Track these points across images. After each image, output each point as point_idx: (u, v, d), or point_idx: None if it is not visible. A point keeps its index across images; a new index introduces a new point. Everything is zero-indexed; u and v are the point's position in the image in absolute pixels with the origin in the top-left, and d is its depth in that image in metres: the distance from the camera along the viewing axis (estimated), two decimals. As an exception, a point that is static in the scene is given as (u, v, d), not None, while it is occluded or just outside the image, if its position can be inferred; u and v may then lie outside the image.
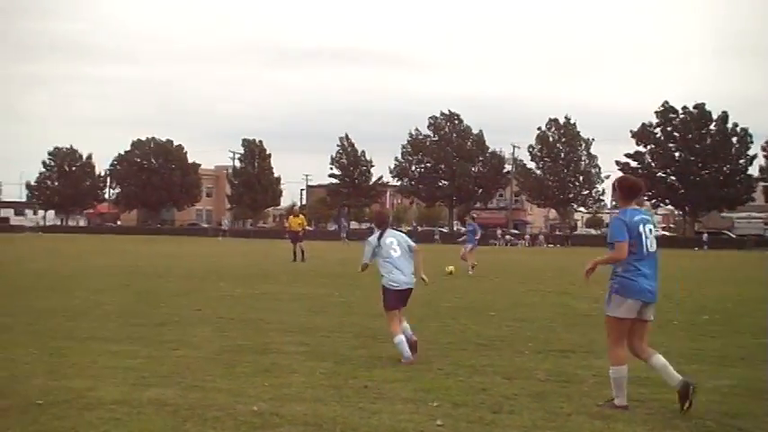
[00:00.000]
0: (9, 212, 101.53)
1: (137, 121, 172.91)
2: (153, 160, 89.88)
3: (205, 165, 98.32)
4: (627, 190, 6.23)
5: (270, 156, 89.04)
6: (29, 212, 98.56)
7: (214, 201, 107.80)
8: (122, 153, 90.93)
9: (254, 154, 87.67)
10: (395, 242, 8.32)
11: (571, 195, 75.95)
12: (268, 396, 6.27)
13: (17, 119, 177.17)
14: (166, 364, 7.66)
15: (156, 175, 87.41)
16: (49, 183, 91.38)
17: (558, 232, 77.34)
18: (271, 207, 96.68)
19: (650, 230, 6.04)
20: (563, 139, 75.51)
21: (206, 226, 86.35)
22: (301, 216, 29.26)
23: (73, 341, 9.00)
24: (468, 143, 78.57)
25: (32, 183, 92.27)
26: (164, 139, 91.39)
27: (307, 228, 26.79)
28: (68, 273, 20.25)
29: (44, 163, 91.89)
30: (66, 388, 6.48)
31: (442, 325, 10.68)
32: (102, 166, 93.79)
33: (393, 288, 8.14)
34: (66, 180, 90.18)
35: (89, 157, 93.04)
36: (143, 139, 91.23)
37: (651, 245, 6.00)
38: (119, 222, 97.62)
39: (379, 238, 8.35)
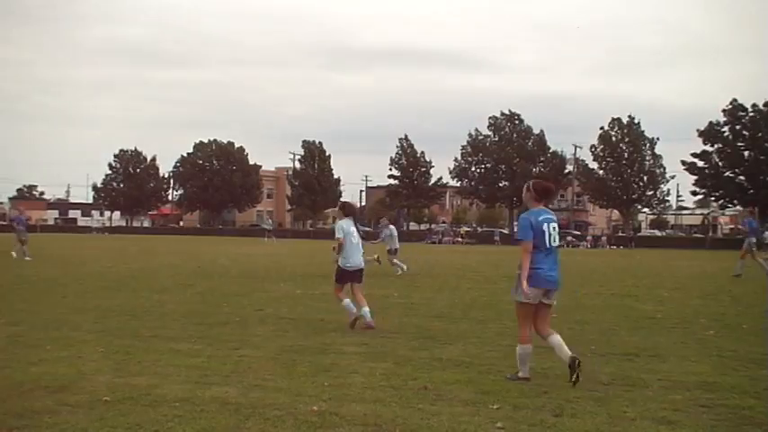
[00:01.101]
0: (77, 213, 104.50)
1: (199, 124, 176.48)
2: (215, 162, 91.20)
3: (266, 166, 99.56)
4: (541, 192, 7.07)
5: (329, 157, 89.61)
6: (95, 213, 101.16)
7: (274, 202, 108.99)
8: (185, 155, 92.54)
9: (314, 155, 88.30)
10: (355, 232, 10.41)
11: (635, 196, 74.47)
12: (328, 396, 6.29)
13: (84, 123, 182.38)
14: (228, 363, 7.75)
15: (218, 177, 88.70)
16: (114, 184, 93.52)
17: (621, 233, 75.93)
18: (330, 208, 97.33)
19: (554, 228, 6.92)
20: (626, 139, 74.04)
21: (265, 227, 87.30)
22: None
23: (138, 339, 9.18)
24: (529, 143, 77.74)
25: (99, 185, 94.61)
26: (225, 141, 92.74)
27: None
28: (133, 273, 20.68)
29: (110, 165, 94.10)
30: (131, 385, 6.61)
31: (502, 327, 10.57)
32: (165, 168, 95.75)
33: (348, 269, 10.38)
34: (130, 182, 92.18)
35: (153, 159, 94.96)
36: (205, 141, 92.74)
37: (554, 241, 6.90)
38: (181, 223, 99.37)
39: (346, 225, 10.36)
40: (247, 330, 10.08)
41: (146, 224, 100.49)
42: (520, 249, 6.86)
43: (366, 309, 10.31)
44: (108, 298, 13.88)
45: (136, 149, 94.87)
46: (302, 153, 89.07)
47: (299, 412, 5.76)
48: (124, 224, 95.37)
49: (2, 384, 6.60)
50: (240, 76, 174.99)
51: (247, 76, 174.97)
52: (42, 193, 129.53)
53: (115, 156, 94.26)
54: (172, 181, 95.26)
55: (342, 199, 75.16)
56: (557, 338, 6.96)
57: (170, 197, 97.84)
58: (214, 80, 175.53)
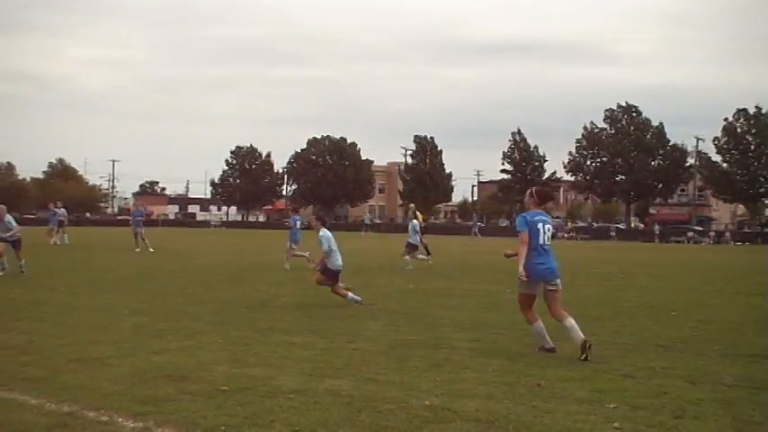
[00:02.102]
0: (195, 208, 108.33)
1: (313, 120, 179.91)
2: (328, 158, 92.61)
3: (377, 161, 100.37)
4: (543, 197, 8.24)
5: (441, 152, 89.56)
6: (213, 208, 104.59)
7: (386, 197, 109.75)
8: (299, 151, 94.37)
9: (426, 150, 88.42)
10: (334, 238, 12.48)
11: (762, 190, 71.03)
12: (440, 391, 6.26)
13: (203, 121, 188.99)
14: (341, 356, 7.84)
15: (331, 172, 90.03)
16: (231, 180, 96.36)
17: (746, 229, 72.53)
18: (442, 203, 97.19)
19: (548, 228, 7.95)
20: (753, 131, 70.66)
21: (378, 221, 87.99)
22: (418, 213, 29.39)
23: (254, 331, 9.41)
24: (648, 136, 75.37)
25: (216, 180, 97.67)
26: (338, 137, 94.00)
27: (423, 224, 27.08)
28: (249, 266, 21.25)
29: (227, 161, 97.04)
30: (248, 376, 6.78)
31: (619, 325, 10.27)
32: (279, 164, 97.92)
33: (338, 269, 12.41)
34: (246, 178, 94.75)
35: (268, 155, 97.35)
36: (318, 137, 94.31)
37: (547, 240, 7.93)
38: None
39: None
40: (359, 324, 10.17)
41: (261, 219, 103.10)
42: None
43: None
44: (226, 290, 14.31)
45: (251, 146, 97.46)
46: (414, 148, 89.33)
47: (412, 407, 5.75)
48: (240, 219, 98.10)
49: (127, 372, 6.89)
50: (353, 72, 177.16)
51: (360, 73, 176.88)
52: (164, 189, 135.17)
53: (232, 152, 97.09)
54: (286, 176, 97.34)
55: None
56: (571, 321, 7.82)
57: (284, 192, 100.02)
58: (327, 77, 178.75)
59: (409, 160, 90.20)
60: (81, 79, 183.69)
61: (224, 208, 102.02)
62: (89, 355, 7.70)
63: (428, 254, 22.64)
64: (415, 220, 22.40)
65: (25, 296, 12.59)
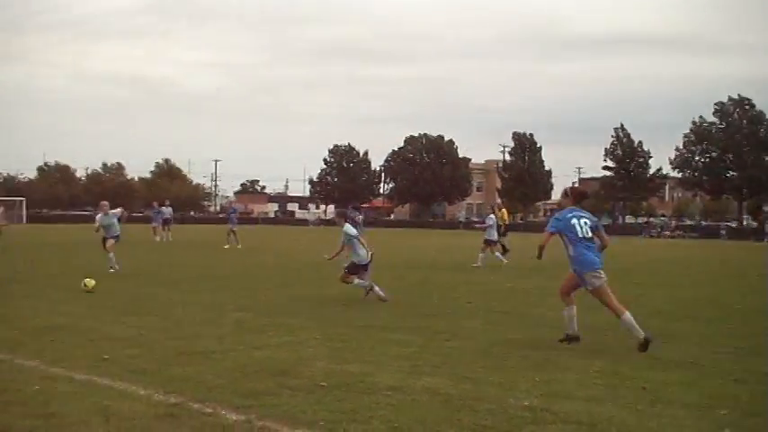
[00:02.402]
0: (294, 206, 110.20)
1: (410, 118, 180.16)
2: (425, 155, 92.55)
3: (475, 159, 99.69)
4: (578, 196, 8.73)
5: (540, 148, 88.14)
6: (311, 206, 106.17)
7: (484, 195, 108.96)
8: (396, 149, 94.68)
9: (525, 147, 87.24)
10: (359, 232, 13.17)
11: None
12: (540, 392, 6.13)
13: (301, 120, 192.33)
14: (438, 354, 7.80)
15: (428, 170, 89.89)
16: (329, 178, 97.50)
17: None
18: (541, 201, 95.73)
19: (585, 222, 8.30)
20: None
21: (475, 220, 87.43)
22: (503, 210, 28.86)
23: (352, 328, 9.47)
24: (762, 130, 72.03)
25: (314, 178, 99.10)
26: (435, 135, 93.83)
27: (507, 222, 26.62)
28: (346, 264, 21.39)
29: (325, 160, 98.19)
30: (346, 372, 6.82)
31: (731, 328, 9.85)
32: (376, 162, 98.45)
33: (364, 263, 12.83)
34: (344, 176, 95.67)
35: (365, 153, 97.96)
36: (415, 135, 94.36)
37: (586, 232, 8.25)
38: (392, 216, 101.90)
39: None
40: (457, 322, 10.11)
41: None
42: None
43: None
44: (324, 287, 14.49)
45: (349, 144, 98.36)
46: (512, 145, 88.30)
47: (511, 407, 5.66)
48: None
49: (230, 366, 7.04)
50: (452, 69, 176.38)
51: (459, 70, 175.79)
52: (264, 188, 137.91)
53: (330, 151, 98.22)
54: (383, 175, 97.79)
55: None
56: (574, 309, 8.48)
57: (381, 190, 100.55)
58: (426, 75, 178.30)
59: (507, 157, 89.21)
60: (185, 82, 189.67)
61: (322, 206, 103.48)
62: (194, 348, 7.92)
63: (504, 252, 22.36)
64: (492, 216, 22.17)
65: (133, 291, 13.07)
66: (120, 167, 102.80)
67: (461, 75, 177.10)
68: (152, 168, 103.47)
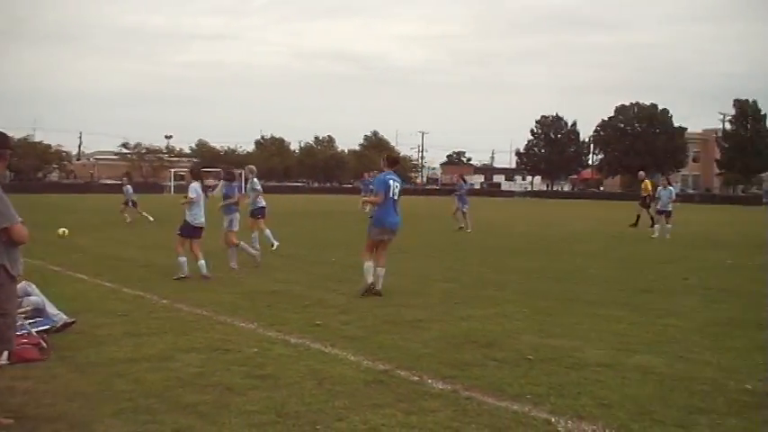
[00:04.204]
0: (500, 178, 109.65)
1: (621, 87, 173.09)
2: (637, 125, 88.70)
3: (691, 128, 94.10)
4: (391, 162, 10.27)
5: (765, 117, 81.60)
6: (518, 178, 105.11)
7: (701, 166, 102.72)
8: (606, 119, 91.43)
9: (747, 115, 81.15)
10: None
11: None
12: (764, 374, 5.74)
13: (509, 90, 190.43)
14: (651, 331, 7.50)
15: (640, 141, 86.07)
16: (535, 150, 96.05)
17: None
18: (765, 172, 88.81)
19: (396, 186, 9.89)
20: None
21: (692, 192, 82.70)
22: (646, 182, 26.62)
23: (559, 302, 9.33)
24: None
25: (521, 150, 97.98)
26: (647, 104, 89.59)
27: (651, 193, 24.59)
28: (555, 236, 21.09)
29: (532, 131, 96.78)
30: (553, 346, 6.73)
31: None
32: (585, 133, 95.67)
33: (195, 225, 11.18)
34: (551, 147, 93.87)
35: (574, 124, 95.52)
36: (626, 104, 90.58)
37: (395, 194, 9.84)
38: (602, 188, 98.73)
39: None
40: (672, 299, 9.65)
41: (565, 188, 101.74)
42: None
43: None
44: (531, 260, 14.33)
45: (557, 115, 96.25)
46: (733, 113, 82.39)
47: (730, 389, 5.35)
48: (545, 188, 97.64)
49: (436, 336, 7.17)
50: (669, 34, 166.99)
51: (677, 35, 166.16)
52: (470, 159, 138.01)
53: (537, 122, 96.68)
54: (592, 145, 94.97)
55: None
56: (382, 271, 9.74)
57: (590, 162, 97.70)
58: (641, 41, 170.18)
59: (728, 126, 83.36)
60: (395, 56, 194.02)
61: (528, 177, 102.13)
62: (402, 317, 8.14)
63: (652, 225, 21.91)
64: (670, 187, 21.68)
65: (344, 261, 13.60)
66: (330, 140, 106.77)
67: (681, 40, 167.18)
68: (361, 141, 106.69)
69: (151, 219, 24.26)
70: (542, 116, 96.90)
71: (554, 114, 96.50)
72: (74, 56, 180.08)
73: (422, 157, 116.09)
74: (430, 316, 8.25)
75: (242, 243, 12.47)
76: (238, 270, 12.01)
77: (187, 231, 11.21)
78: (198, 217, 11.16)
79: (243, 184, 17.37)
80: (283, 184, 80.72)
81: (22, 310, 6.58)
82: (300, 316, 8.20)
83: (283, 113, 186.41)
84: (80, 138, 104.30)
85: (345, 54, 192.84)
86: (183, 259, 11.06)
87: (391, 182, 9.84)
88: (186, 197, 11.28)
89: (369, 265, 9.69)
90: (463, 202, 23.57)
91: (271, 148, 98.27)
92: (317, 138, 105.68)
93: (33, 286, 7.39)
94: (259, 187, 14.83)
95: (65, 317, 7.27)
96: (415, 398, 5.15)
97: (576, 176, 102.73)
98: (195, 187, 11.27)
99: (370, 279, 9.64)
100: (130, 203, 24.89)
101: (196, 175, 11.91)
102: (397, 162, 10.63)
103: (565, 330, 7.51)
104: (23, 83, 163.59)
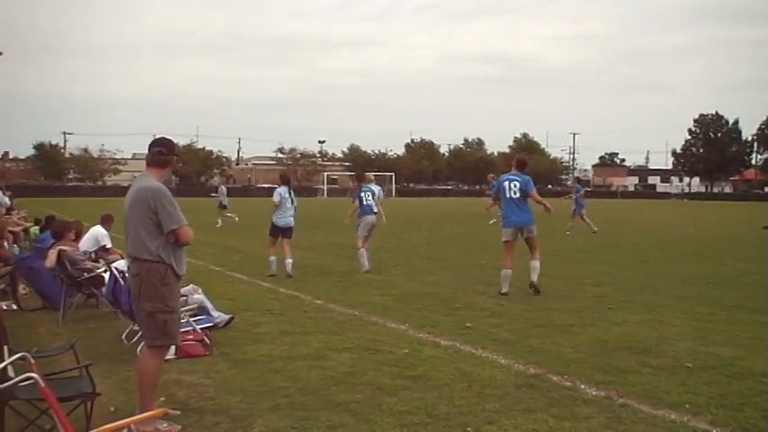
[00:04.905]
0: (655, 180, 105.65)
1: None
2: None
3: None
4: (520, 164, 10.39)
5: None
6: (674, 179, 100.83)
7: None
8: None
9: None
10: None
11: None
12: None
13: (663, 89, 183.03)
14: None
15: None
16: (693, 150, 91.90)
17: None
18: None
19: (514, 185, 9.93)
20: None
21: None
22: None
23: (719, 308, 8.91)
24: None
25: (678, 150, 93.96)
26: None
27: None
28: (713, 239, 20.12)
29: (689, 131, 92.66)
30: (713, 354, 6.45)
31: None
32: (748, 131, 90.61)
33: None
34: (710, 147, 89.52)
35: (735, 122, 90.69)
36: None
37: (514, 194, 9.92)
38: (767, 189, 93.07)
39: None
40: None
41: (726, 190, 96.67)
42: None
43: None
44: (689, 264, 13.76)
45: (717, 113, 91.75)
46: None
47: None
48: (704, 190, 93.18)
49: (589, 341, 7.03)
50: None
51: None
52: (623, 161, 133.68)
53: (695, 120, 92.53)
54: (756, 144, 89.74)
55: None
56: (537, 264, 10.26)
57: (753, 162, 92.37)
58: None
59: None
60: (545, 56, 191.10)
61: (685, 179, 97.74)
62: (553, 321, 8.03)
63: None
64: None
65: (494, 263, 13.49)
66: (480, 142, 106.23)
67: None
68: (510, 143, 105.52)
69: (236, 218, 25.12)
70: (701, 114, 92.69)
71: (714, 112, 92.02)
72: (236, 64, 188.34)
73: (573, 159, 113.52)
74: (581, 320, 8.09)
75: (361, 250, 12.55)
76: (389, 272, 12.24)
77: (274, 232, 12.08)
78: (282, 218, 11.92)
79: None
80: (433, 187, 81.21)
81: (188, 307, 7.00)
82: (451, 318, 8.25)
83: (432, 116, 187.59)
84: (239, 143, 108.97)
85: (492, 56, 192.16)
86: (272, 259, 11.99)
87: (506, 183, 10.05)
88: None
89: (506, 272, 9.89)
90: (580, 205, 23.03)
91: (420, 152, 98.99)
92: (466, 140, 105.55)
93: (199, 289, 7.89)
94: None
95: (225, 317, 7.72)
96: (567, 403, 5.07)
97: (737, 177, 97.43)
98: (280, 191, 11.97)
99: (505, 288, 9.84)
100: (219, 205, 25.61)
101: (285, 180, 12.49)
102: (525, 164, 10.66)
103: (726, 338, 7.17)
104: (186, 89, 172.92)
